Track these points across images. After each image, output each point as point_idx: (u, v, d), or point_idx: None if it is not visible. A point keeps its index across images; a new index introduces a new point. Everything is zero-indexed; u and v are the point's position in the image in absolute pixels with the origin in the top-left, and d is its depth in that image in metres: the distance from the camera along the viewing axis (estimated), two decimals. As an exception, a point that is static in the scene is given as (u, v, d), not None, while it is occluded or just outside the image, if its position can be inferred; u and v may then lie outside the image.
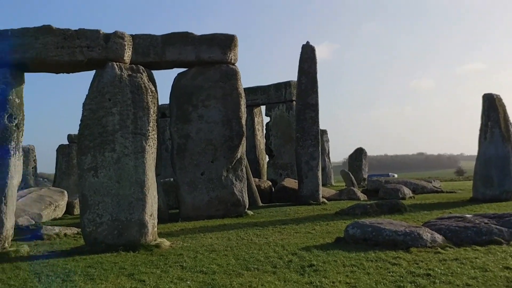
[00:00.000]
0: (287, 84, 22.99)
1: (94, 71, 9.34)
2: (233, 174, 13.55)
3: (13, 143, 8.81)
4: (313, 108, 16.40)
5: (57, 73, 9.84)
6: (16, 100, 9.01)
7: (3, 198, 8.59)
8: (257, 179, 18.19)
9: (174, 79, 13.96)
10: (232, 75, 13.78)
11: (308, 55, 16.56)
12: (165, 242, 8.85)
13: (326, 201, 16.28)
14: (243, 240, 9.20)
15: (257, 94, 23.35)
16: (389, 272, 6.28)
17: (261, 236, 9.60)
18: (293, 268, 6.67)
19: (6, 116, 8.78)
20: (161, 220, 10.25)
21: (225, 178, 13.43)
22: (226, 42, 13.70)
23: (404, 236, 7.78)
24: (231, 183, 13.46)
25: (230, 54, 13.76)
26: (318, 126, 16.52)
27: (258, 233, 9.93)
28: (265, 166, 23.60)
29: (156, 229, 9.01)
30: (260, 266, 6.88)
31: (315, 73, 16.55)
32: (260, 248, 8.20)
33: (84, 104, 8.88)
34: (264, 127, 24.35)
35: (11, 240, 8.98)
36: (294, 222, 11.41)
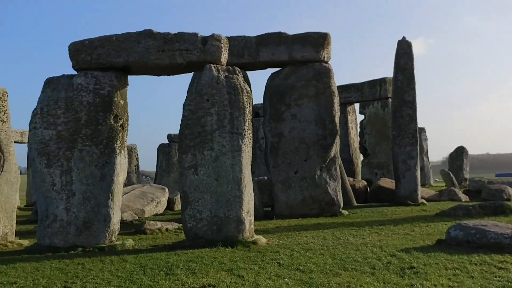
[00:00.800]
0: (382, 81, 22.37)
1: (192, 73, 9.69)
2: (327, 173, 13.46)
3: (118, 142, 9.35)
4: (410, 105, 15.89)
5: (158, 75, 10.30)
6: (121, 101, 9.55)
7: (110, 195, 9.15)
8: (351, 179, 17.91)
9: (268, 79, 14.12)
10: (325, 73, 13.69)
11: (404, 51, 16.07)
12: (262, 239, 8.98)
13: (425, 201, 15.71)
14: (339, 239, 9.10)
15: (351, 92, 22.94)
16: (495, 277, 5.94)
17: (357, 236, 9.44)
18: (392, 270, 6.49)
19: (112, 117, 9.33)
20: (256, 217, 10.39)
21: (318, 177, 13.37)
22: (319, 40, 13.64)
23: (511, 239, 7.34)
24: (325, 182, 13.37)
25: (323, 52, 13.69)
26: (415, 124, 15.98)
27: (354, 233, 9.78)
28: (360, 165, 23.14)
29: (252, 226, 9.16)
30: (358, 266, 6.77)
31: (412, 69, 16.03)
32: (357, 248, 8.07)
33: (184, 105, 9.23)
34: (358, 125, 23.89)
35: (117, 234, 9.53)
36: (391, 223, 11.11)
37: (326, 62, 13.92)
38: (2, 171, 10.20)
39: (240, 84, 9.21)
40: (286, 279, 6.19)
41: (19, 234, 11.24)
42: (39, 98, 9.47)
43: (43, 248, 8.92)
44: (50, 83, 9.55)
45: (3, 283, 6.52)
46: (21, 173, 11.42)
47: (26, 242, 10.25)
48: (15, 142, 12.37)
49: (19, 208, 18.23)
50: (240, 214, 8.80)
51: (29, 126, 9.37)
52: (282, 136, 13.56)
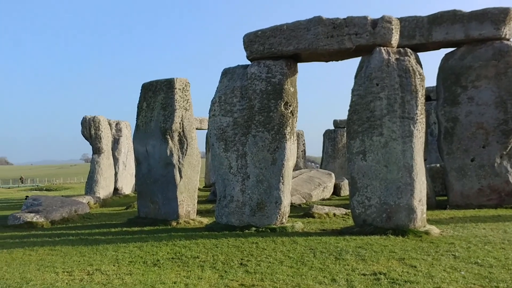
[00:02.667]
0: None
1: (359, 58, 9.55)
2: (508, 161, 12.33)
3: (288, 128, 9.63)
4: None
5: (326, 61, 10.34)
6: (291, 89, 9.81)
7: (281, 178, 9.50)
8: (536, 167, 16.15)
9: (441, 60, 13.35)
10: (507, 52, 12.50)
11: None
12: (434, 229, 8.58)
13: None
14: (523, 233, 8.31)
15: (537, 71, 20.59)
16: None
17: (545, 231, 8.53)
18: None
19: (283, 104, 9.63)
20: (428, 206, 9.95)
21: (498, 165, 12.31)
22: (500, 16, 12.48)
23: None
24: (505, 171, 12.28)
25: (504, 29, 12.50)
26: None
27: (541, 228, 8.85)
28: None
29: (425, 215, 8.78)
30: (547, 264, 6.14)
31: None
32: (546, 244, 7.30)
33: (352, 90, 9.16)
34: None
35: (287, 216, 9.86)
36: None
37: (508, 40, 12.70)
38: (185, 155, 11.22)
39: (412, 67, 8.84)
40: (462, 272, 5.85)
41: (199, 212, 12.30)
42: (217, 88, 10.17)
43: (221, 226, 9.63)
44: (226, 73, 10.20)
45: (187, 256, 7.20)
46: (200, 157, 12.42)
47: (205, 220, 11.18)
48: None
49: (198, 189, 19.82)
50: (412, 202, 8.50)
51: (209, 113, 10.12)
52: (457, 121, 12.73)
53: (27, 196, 18.77)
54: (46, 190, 32.53)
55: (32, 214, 11.69)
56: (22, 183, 51.84)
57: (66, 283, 5.89)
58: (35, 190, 33.48)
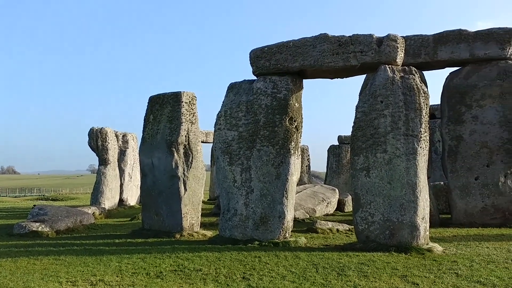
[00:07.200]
0: None
1: (364, 75, 9.63)
2: (513, 180, 12.34)
3: (293, 143, 9.71)
4: None
5: (331, 78, 10.45)
6: (296, 104, 9.90)
7: (285, 193, 9.55)
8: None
9: (446, 78, 13.42)
10: (512, 72, 12.57)
11: None
12: (437, 247, 8.59)
13: None
14: (527, 253, 8.30)
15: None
16: None
17: (548, 251, 8.51)
18: None
19: (288, 119, 9.73)
20: (431, 224, 9.96)
21: (502, 184, 12.32)
22: (505, 36, 12.59)
23: None
24: (509, 190, 12.28)
25: (509, 49, 12.62)
26: None
27: (544, 248, 8.83)
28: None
29: (427, 233, 8.80)
30: (550, 284, 6.13)
31: None
32: (549, 264, 7.29)
33: (357, 107, 9.24)
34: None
35: (291, 231, 9.89)
36: None
37: (513, 60, 12.77)
38: (190, 168, 11.30)
39: (416, 85, 8.93)
40: (464, 291, 5.87)
41: (203, 225, 12.33)
42: (223, 102, 10.28)
43: (224, 240, 9.67)
44: (232, 88, 10.32)
45: (190, 269, 7.24)
46: (205, 170, 12.49)
47: (209, 233, 11.22)
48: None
49: (202, 202, 19.87)
50: (415, 220, 8.53)
51: (214, 127, 10.22)
52: (461, 139, 12.77)
53: (34, 205, 18.89)
54: (52, 200, 32.59)
55: (37, 224, 11.77)
56: None
57: (70, 292, 5.94)
58: (41, 199, 33.56)
